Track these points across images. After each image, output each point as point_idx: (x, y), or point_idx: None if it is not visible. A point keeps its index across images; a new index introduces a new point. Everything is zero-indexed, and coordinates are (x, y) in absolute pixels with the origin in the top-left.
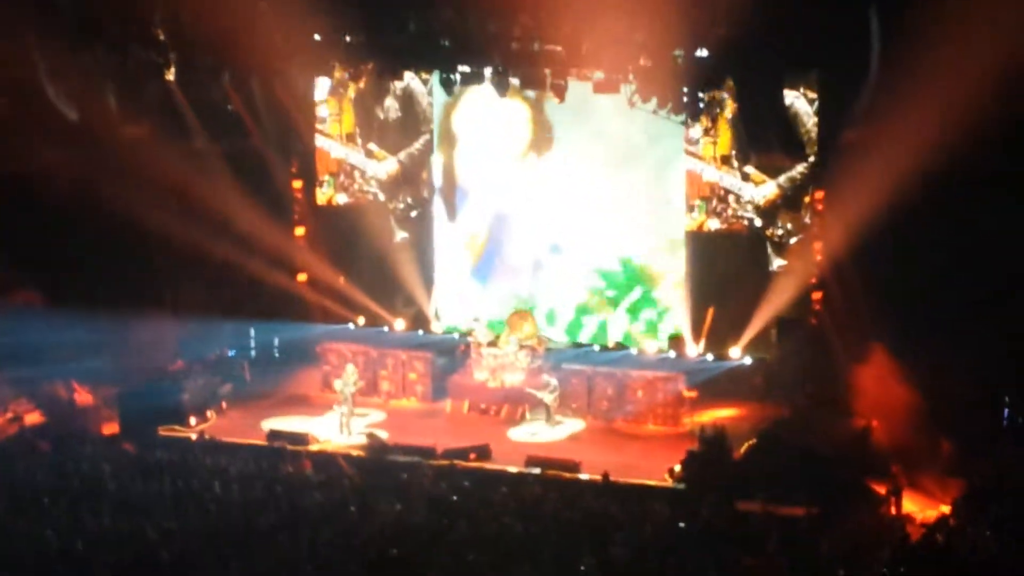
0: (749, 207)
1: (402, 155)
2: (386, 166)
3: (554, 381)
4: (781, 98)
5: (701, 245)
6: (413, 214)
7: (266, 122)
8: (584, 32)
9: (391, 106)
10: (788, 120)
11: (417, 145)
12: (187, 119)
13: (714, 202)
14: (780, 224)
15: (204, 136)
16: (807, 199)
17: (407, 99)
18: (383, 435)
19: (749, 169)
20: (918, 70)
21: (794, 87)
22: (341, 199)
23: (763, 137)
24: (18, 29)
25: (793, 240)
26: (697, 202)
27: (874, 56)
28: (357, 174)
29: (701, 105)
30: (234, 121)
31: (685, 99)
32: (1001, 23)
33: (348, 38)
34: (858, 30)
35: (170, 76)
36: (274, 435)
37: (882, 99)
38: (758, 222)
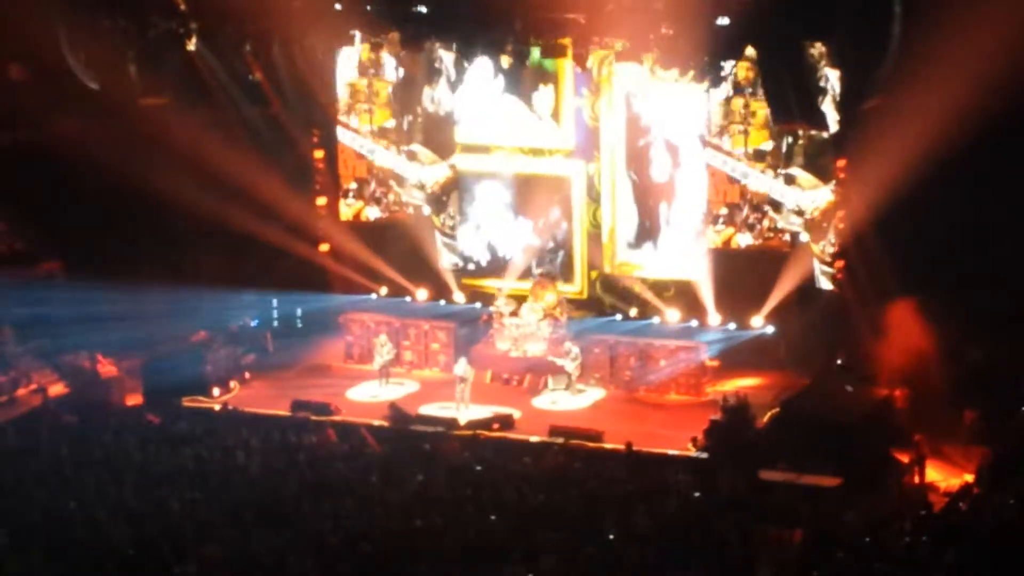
0: (793, 218)
1: (456, 158)
2: (434, 172)
3: (576, 349)
4: (802, 66)
5: (726, 262)
6: None
7: (287, 92)
8: (604, 0)
9: (441, 97)
10: (811, 89)
11: None
12: (208, 89)
13: (745, 211)
14: (834, 240)
15: (225, 106)
16: None
17: None
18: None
19: (795, 171)
20: (940, 36)
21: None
22: (372, 213)
23: (785, 107)
24: None
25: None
26: (723, 211)
27: (896, 22)
28: (394, 182)
29: (723, 74)
30: (255, 91)
31: (707, 68)
32: None
33: (369, 7)
34: None
35: (191, 46)
36: (297, 405)
37: (904, 66)
38: (804, 236)
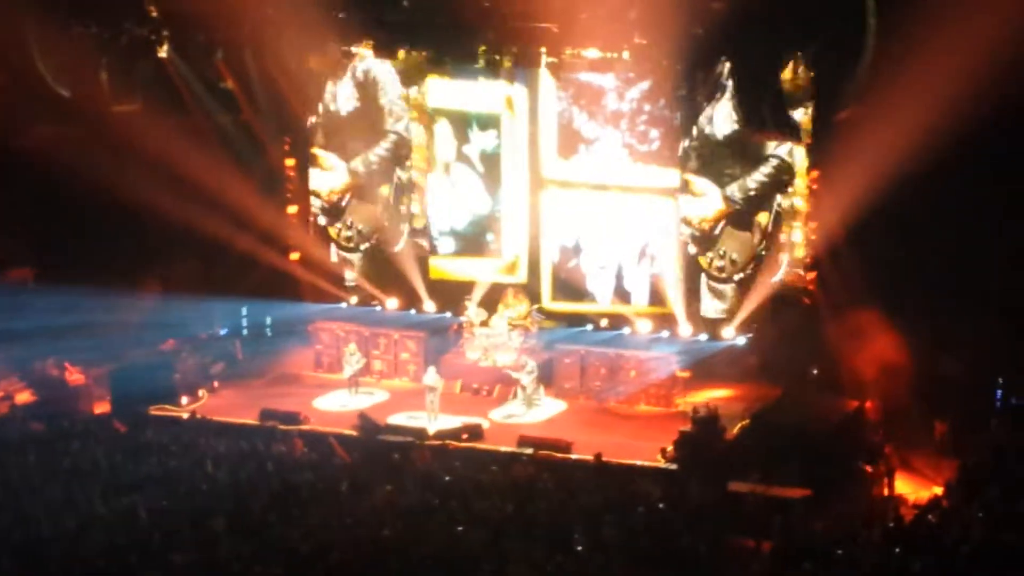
0: (683, 227)
1: (357, 162)
2: (332, 178)
3: (533, 363)
4: (777, 76)
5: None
6: (364, 246)
7: (259, 99)
8: (578, 9)
9: (347, 94)
10: (784, 99)
11: (379, 151)
12: (179, 96)
13: None
14: (724, 253)
15: (197, 113)
16: (766, 219)
17: (368, 86)
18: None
19: (689, 176)
20: (913, 48)
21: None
22: (344, 233)
23: (759, 116)
24: (11, 5)
25: (739, 276)
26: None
27: (869, 34)
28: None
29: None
30: (227, 98)
31: (681, 77)
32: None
33: (342, 15)
34: (854, 8)
35: (163, 53)
36: (266, 414)
37: (877, 77)
38: (693, 248)
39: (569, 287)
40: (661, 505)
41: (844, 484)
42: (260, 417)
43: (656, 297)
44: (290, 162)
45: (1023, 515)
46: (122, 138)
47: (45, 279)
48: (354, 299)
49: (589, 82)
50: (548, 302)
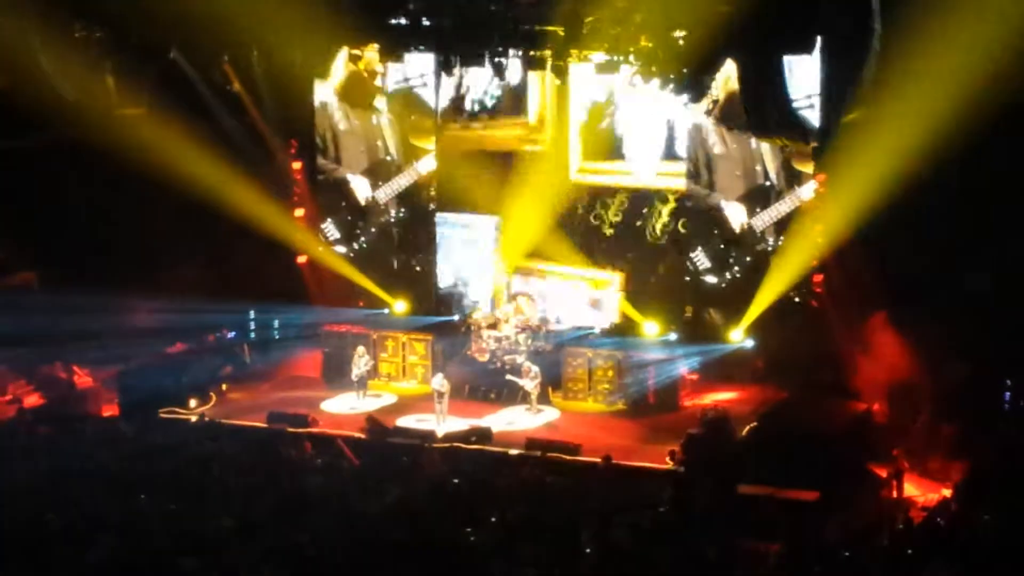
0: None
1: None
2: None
3: (536, 368)
4: (783, 78)
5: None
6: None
7: (266, 102)
8: (584, 12)
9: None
10: (790, 102)
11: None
12: (186, 99)
13: None
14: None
15: (203, 116)
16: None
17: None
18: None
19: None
20: (920, 49)
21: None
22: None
23: (763, 120)
24: (18, 7)
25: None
26: None
27: (875, 36)
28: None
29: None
30: (233, 101)
31: (687, 80)
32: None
33: (349, 17)
34: (860, 9)
35: (169, 56)
36: (274, 417)
37: (884, 79)
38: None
39: (601, 147)
40: (670, 507)
41: (853, 486)
42: (268, 420)
43: None
44: (297, 165)
45: None
46: (127, 142)
47: (50, 282)
48: (362, 302)
49: None
50: (576, 173)
